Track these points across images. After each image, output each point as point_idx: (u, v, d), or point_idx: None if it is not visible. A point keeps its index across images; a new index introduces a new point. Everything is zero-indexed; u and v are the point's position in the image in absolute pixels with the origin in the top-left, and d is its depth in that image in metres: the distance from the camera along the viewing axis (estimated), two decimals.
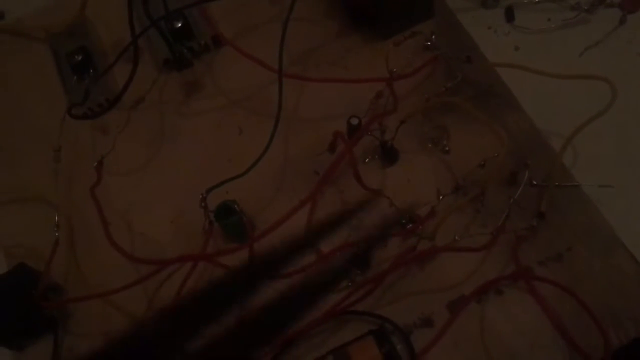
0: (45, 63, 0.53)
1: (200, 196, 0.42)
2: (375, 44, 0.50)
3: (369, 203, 0.30)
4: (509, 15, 0.50)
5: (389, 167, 0.46)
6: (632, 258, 0.40)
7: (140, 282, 0.42)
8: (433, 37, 0.49)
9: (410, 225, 0.42)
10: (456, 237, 0.41)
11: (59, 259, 0.44)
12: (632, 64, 0.46)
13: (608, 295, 0.39)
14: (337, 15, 0.52)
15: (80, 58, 0.51)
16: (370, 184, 0.43)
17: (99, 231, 0.45)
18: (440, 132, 0.46)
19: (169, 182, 0.47)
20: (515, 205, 0.41)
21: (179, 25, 0.50)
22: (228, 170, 0.43)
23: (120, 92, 0.45)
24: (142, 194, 0.47)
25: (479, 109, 0.43)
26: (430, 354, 0.40)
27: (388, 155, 0.45)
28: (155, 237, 0.46)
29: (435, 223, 0.41)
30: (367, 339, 0.39)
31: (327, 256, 0.42)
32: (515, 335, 0.40)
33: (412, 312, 0.41)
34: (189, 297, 0.28)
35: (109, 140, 0.49)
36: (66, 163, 0.47)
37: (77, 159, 0.48)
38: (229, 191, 0.44)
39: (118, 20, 0.49)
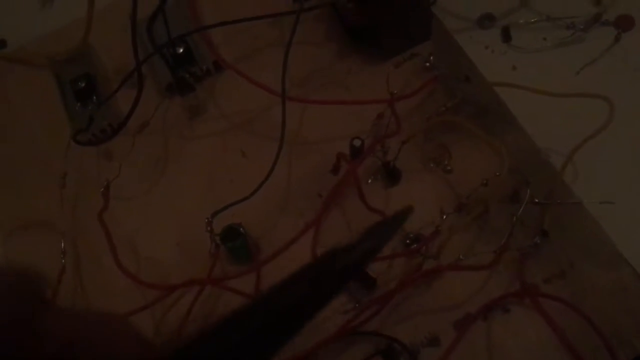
0: (48, 90, 0.53)
1: (206, 220, 0.42)
2: (375, 65, 0.51)
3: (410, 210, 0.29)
4: (506, 36, 0.51)
5: (392, 187, 0.46)
6: (635, 273, 0.40)
7: (148, 307, 0.42)
8: (431, 57, 0.50)
9: (415, 245, 0.42)
10: (461, 256, 0.42)
11: (65, 285, 0.44)
12: (629, 80, 0.47)
13: (613, 310, 0.40)
14: (337, 38, 0.53)
15: (83, 85, 0.51)
16: (373, 205, 0.44)
17: (105, 256, 0.45)
18: (442, 152, 0.46)
19: (174, 206, 0.47)
20: (518, 223, 0.42)
21: (181, 50, 0.51)
22: (232, 193, 0.44)
23: (125, 117, 0.46)
24: (148, 218, 0.47)
25: (478, 128, 0.44)
26: None
27: (391, 175, 0.46)
28: (161, 261, 0.46)
29: (440, 242, 0.42)
30: (376, 359, 0.39)
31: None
32: (522, 353, 0.40)
33: (418, 331, 0.41)
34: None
35: (113, 165, 0.49)
36: (71, 189, 0.48)
37: (82, 185, 0.49)
38: (234, 214, 0.44)
39: (120, 47, 0.50)
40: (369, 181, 0.46)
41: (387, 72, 0.45)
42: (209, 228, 0.42)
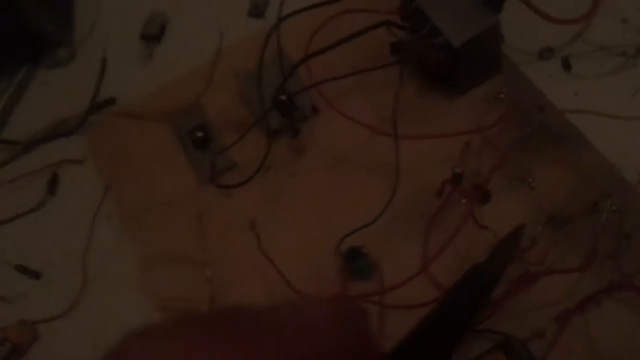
0: (167, 140, 0.61)
1: (336, 244, 0.50)
2: (453, 100, 0.58)
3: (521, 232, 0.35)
4: (566, 65, 0.58)
5: (484, 206, 0.53)
6: None
7: None
8: (504, 89, 0.57)
9: (515, 254, 0.50)
10: (555, 261, 0.49)
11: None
12: None
13: None
14: (415, 78, 0.60)
15: (201, 134, 0.59)
16: (468, 222, 0.51)
17: (244, 281, 0.52)
18: (525, 172, 0.53)
19: (299, 234, 0.55)
20: (601, 230, 0.49)
21: (284, 98, 0.58)
22: (345, 219, 0.51)
23: (260, 164, 0.53)
24: (279, 248, 0.54)
25: (555, 151, 0.52)
26: None
27: (482, 195, 0.53)
28: (291, 284, 0.53)
29: (537, 250, 0.49)
30: (495, 353, 0.46)
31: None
32: (618, 340, 0.47)
33: (524, 328, 0.48)
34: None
35: (234, 202, 0.56)
36: (205, 226, 0.55)
37: (213, 222, 0.56)
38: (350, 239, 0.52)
39: (230, 101, 0.59)
40: (463, 201, 0.54)
41: (469, 106, 0.53)
42: (337, 251, 0.49)
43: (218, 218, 0.56)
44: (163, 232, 0.57)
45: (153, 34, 0.68)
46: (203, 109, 0.61)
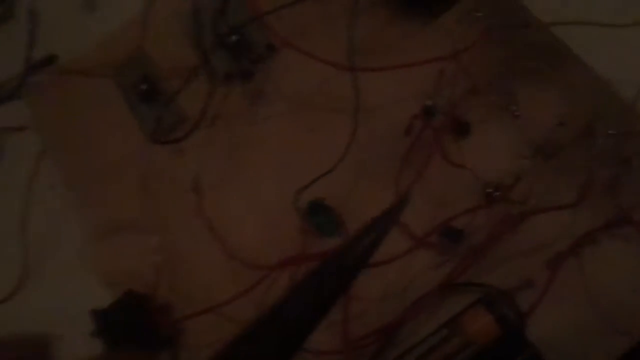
0: (110, 96, 0.55)
1: (293, 198, 0.44)
2: (427, 25, 0.51)
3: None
4: None
5: (463, 140, 0.47)
6: None
7: (247, 292, 0.44)
8: (481, 6, 0.50)
9: (498, 193, 0.43)
10: (544, 197, 0.42)
11: (161, 281, 0.47)
12: None
13: None
14: (384, 4, 0.53)
15: (145, 87, 0.53)
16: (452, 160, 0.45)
17: (195, 248, 0.47)
18: (507, 98, 0.46)
19: (255, 190, 0.49)
20: (597, 156, 0.42)
21: (234, 38, 0.52)
22: (308, 170, 0.45)
23: (200, 113, 0.47)
24: (230, 207, 0.49)
25: (542, 71, 0.45)
26: (537, 313, 0.41)
27: (460, 128, 0.46)
28: (250, 246, 0.47)
29: (522, 187, 0.42)
30: (476, 307, 0.40)
31: (422, 238, 0.43)
32: (618, 284, 0.41)
33: (511, 276, 0.42)
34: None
35: (186, 161, 0.51)
36: (152, 189, 0.50)
37: (162, 183, 0.50)
38: (314, 189, 0.45)
39: (172, 45, 0.52)
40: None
41: (449, 26, 0.46)
42: (296, 205, 0.43)
43: (166, 179, 0.50)
44: (110, 199, 0.51)
45: None
46: (149, 58, 0.55)
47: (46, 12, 0.59)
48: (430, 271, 0.44)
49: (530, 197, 0.42)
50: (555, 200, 0.43)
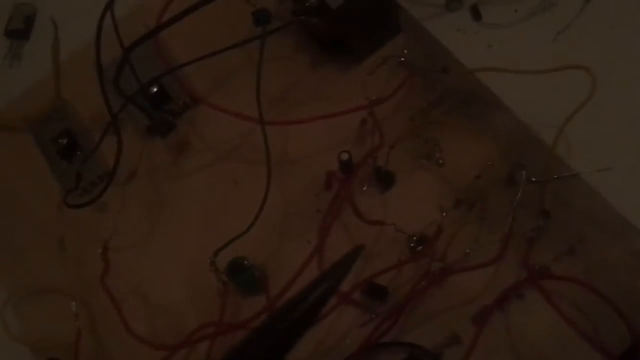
0: (30, 152, 0.53)
1: (209, 260, 0.42)
2: (350, 70, 0.50)
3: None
4: (475, 14, 0.50)
5: (387, 191, 0.46)
6: None
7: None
8: (405, 52, 0.49)
9: (420, 247, 0.42)
10: (467, 250, 0.41)
11: (84, 347, 0.45)
12: (606, 39, 0.46)
13: (630, 280, 0.39)
14: (307, 48, 0.52)
15: (65, 141, 0.51)
16: (371, 212, 0.44)
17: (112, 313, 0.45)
18: (431, 146, 0.46)
19: (176, 248, 0.47)
20: (518, 206, 0.41)
21: (155, 90, 0.50)
22: (231, 225, 0.43)
23: (112, 169, 0.45)
24: (152, 265, 0.47)
25: (464, 117, 0.44)
26: None
27: (384, 180, 0.45)
28: (172, 306, 0.46)
29: (444, 240, 0.41)
30: None
31: (348, 294, 0.42)
32: (544, 337, 0.40)
33: (438, 333, 0.41)
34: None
35: (109, 217, 0.49)
36: (72, 250, 0.48)
37: (83, 244, 0.48)
38: (236, 247, 0.44)
39: (95, 96, 0.50)
40: (364, 188, 0.46)
41: (361, 79, 0.44)
42: (212, 268, 0.42)
43: (86, 238, 0.48)
44: (30, 263, 0.49)
45: (19, 29, 0.60)
46: (68, 112, 0.53)
47: None
48: (358, 329, 0.42)
49: (452, 250, 0.41)
50: (478, 250, 0.42)
